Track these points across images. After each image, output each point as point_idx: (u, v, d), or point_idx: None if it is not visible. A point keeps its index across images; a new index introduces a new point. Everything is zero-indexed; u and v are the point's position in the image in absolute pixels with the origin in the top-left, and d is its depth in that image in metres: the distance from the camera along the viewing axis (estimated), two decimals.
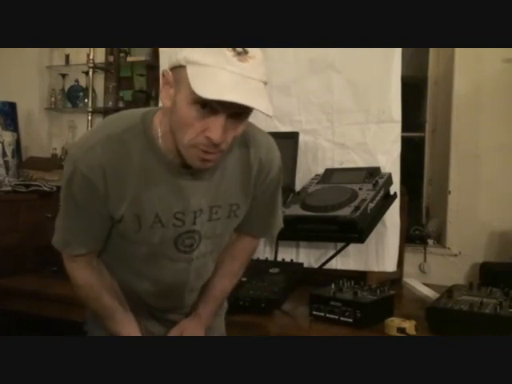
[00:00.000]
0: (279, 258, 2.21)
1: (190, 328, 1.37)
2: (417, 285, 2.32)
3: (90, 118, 3.31)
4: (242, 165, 1.25)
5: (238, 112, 1.03)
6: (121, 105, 3.43)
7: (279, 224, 1.43)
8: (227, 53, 1.01)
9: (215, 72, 0.99)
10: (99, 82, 3.48)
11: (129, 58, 3.46)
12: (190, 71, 1.00)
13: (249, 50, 1.03)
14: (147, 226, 1.19)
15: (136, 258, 1.27)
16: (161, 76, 1.11)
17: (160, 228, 1.20)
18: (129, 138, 1.14)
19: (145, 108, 1.24)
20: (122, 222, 1.18)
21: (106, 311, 1.31)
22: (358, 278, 2.03)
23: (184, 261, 1.27)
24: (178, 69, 1.04)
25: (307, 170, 2.33)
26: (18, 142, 3.25)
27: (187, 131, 1.05)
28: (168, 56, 1.09)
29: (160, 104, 1.21)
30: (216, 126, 1.02)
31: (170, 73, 1.07)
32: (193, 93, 0.98)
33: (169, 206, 1.18)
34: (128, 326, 1.32)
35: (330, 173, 2.24)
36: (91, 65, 3.32)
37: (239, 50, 1.02)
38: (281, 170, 1.37)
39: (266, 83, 1.06)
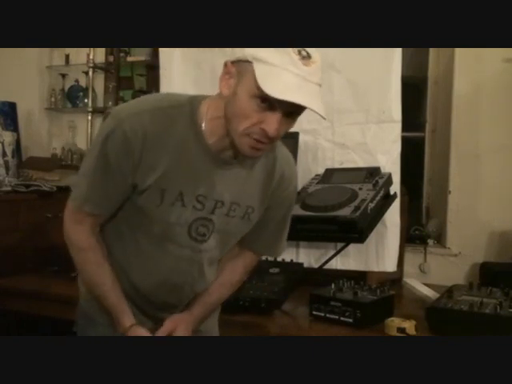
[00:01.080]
0: (279, 258, 2.21)
1: (184, 322, 1.37)
2: (417, 285, 2.32)
3: (90, 118, 3.31)
4: (266, 172, 1.31)
5: (293, 111, 1.12)
6: None
7: (283, 247, 1.47)
8: (293, 55, 1.07)
9: (280, 72, 1.06)
10: (99, 82, 3.48)
11: (129, 58, 3.46)
12: (257, 67, 1.07)
13: (312, 54, 1.10)
14: (169, 202, 1.21)
15: (145, 239, 1.27)
16: (223, 66, 1.16)
17: (180, 207, 1.22)
18: (175, 114, 1.19)
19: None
20: (145, 192, 1.20)
21: (105, 279, 1.29)
22: (358, 277, 2.03)
23: (191, 249, 1.28)
24: (243, 63, 1.10)
25: (307, 170, 2.33)
26: (18, 142, 3.25)
27: (244, 121, 1.11)
28: (219, 53, 1.17)
29: None
30: (273, 121, 1.10)
31: (233, 65, 1.13)
32: (257, 88, 1.06)
33: (194, 186, 1.22)
34: (124, 309, 1.31)
35: (330, 173, 2.24)
36: (91, 65, 3.32)
37: (304, 53, 1.09)
38: (296, 192, 1.45)
39: (321, 86, 1.13)
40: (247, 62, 1.09)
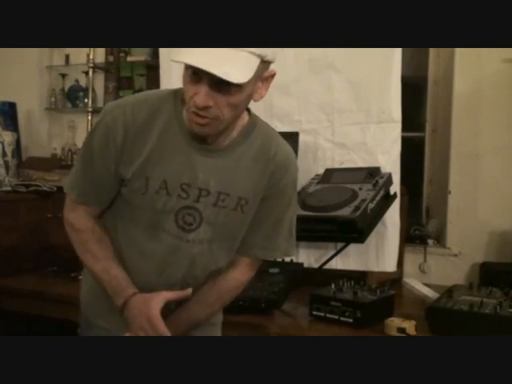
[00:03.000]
0: (279, 258, 2.21)
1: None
2: (417, 285, 2.32)
3: (90, 117, 3.31)
4: (258, 161, 1.29)
5: (221, 81, 1.08)
6: None
7: (284, 249, 1.41)
8: None
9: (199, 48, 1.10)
10: (99, 82, 3.48)
11: (129, 58, 3.46)
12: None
13: None
14: (153, 190, 1.24)
15: (137, 230, 1.30)
16: None
17: (165, 195, 1.24)
18: (159, 104, 1.24)
19: None
20: (131, 181, 1.24)
21: (107, 252, 1.31)
22: (358, 278, 2.03)
23: (179, 239, 1.28)
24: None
25: (307, 170, 2.33)
26: (18, 142, 3.25)
27: (186, 96, 1.16)
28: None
29: None
30: (200, 91, 1.11)
31: None
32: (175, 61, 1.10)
33: (178, 174, 1.24)
34: (127, 278, 1.29)
35: (329, 173, 2.24)
36: (91, 65, 3.31)
37: None
38: (295, 186, 1.42)
39: (265, 60, 1.14)
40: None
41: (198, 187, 1.25)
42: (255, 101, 1.22)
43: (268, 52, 1.13)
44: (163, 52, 2.64)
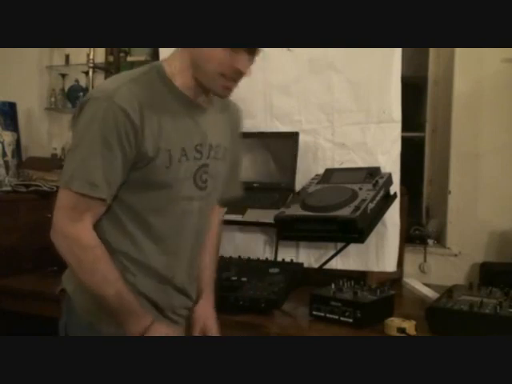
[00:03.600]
0: (279, 258, 2.21)
1: (210, 316, 1.48)
2: (417, 285, 2.32)
3: None
4: (224, 112, 1.43)
5: (255, 51, 1.26)
6: None
7: (241, 187, 1.60)
8: None
9: None
10: (99, 82, 3.47)
11: (129, 58, 3.45)
12: None
13: None
14: (176, 160, 1.27)
15: (156, 217, 1.29)
16: None
17: (185, 162, 1.29)
18: (149, 79, 1.27)
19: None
20: (157, 158, 1.24)
21: (118, 274, 1.25)
22: (358, 277, 2.03)
23: (199, 198, 1.35)
24: None
25: (307, 170, 2.33)
26: (18, 142, 3.25)
27: (217, 63, 1.23)
28: None
29: None
30: (240, 58, 1.24)
31: None
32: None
33: (191, 138, 1.31)
34: (140, 306, 1.28)
35: (329, 173, 2.24)
36: (91, 65, 3.31)
37: None
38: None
39: None
40: None
41: (208, 144, 1.34)
42: None
43: None
44: (163, 52, 2.63)
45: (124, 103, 1.18)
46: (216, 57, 1.22)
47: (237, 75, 1.27)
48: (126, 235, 1.29)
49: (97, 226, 1.27)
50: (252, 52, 1.26)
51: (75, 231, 1.22)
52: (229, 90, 1.30)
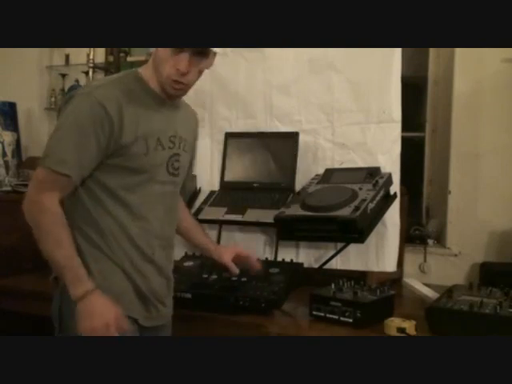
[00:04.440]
0: (279, 258, 2.21)
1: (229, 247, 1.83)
2: (417, 285, 2.32)
3: None
4: (187, 113, 1.62)
5: (200, 52, 1.36)
6: None
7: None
8: None
9: None
10: None
11: (129, 58, 3.45)
12: None
13: None
14: (152, 148, 1.43)
15: (133, 195, 1.43)
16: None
17: (161, 150, 1.46)
18: (126, 82, 1.44)
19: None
20: (134, 145, 1.39)
21: (71, 239, 1.37)
22: (358, 278, 2.02)
23: (171, 184, 1.52)
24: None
25: (307, 170, 2.33)
26: (18, 142, 3.25)
27: (165, 65, 1.39)
28: None
29: None
30: (181, 60, 1.36)
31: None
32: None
33: (165, 130, 1.48)
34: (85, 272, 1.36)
35: (329, 173, 2.24)
36: (91, 65, 3.31)
37: None
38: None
39: None
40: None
41: (180, 136, 1.52)
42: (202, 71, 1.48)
43: None
44: None
45: (102, 98, 1.35)
46: (164, 58, 1.38)
47: (180, 76, 1.39)
48: (107, 213, 1.42)
49: (79, 206, 1.43)
50: (196, 53, 1.36)
51: (39, 198, 1.37)
52: (179, 90, 1.44)
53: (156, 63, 1.42)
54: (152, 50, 1.48)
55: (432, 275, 2.62)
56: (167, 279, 1.56)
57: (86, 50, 3.36)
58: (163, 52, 1.38)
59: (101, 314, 1.31)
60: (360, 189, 2.05)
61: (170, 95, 1.46)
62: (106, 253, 1.42)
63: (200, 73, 1.44)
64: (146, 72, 1.47)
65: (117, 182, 1.41)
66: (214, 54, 1.42)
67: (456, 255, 2.64)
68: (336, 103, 2.31)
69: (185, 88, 1.45)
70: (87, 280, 1.35)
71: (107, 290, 1.37)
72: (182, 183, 1.61)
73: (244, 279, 1.92)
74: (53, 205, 1.36)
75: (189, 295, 1.84)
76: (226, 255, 1.77)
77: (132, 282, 1.44)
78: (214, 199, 2.38)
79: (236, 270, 1.76)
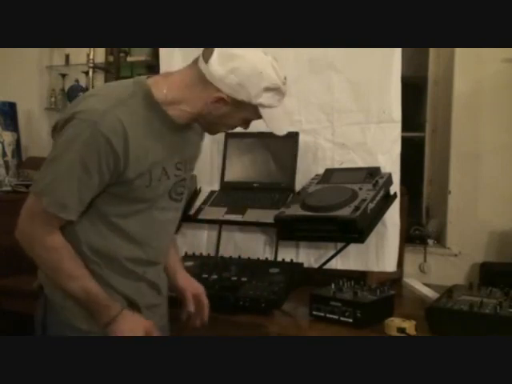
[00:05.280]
0: (279, 258, 2.21)
1: (193, 283, 1.62)
2: (417, 285, 2.32)
3: None
4: (197, 127, 1.47)
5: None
6: None
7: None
8: (281, 87, 1.37)
9: (278, 112, 1.37)
10: (99, 82, 3.47)
11: (129, 58, 3.45)
12: (264, 112, 1.34)
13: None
14: (156, 179, 1.34)
15: (133, 222, 1.35)
16: (215, 92, 1.29)
17: (166, 180, 1.37)
18: (134, 102, 1.28)
19: (130, 79, 1.38)
20: (137, 179, 1.29)
21: (84, 269, 1.31)
22: (358, 278, 2.02)
23: (173, 210, 1.44)
24: (244, 102, 1.31)
25: (307, 170, 2.33)
26: (18, 142, 3.25)
27: (226, 127, 1.43)
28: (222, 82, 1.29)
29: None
30: (247, 124, 1.41)
31: (229, 97, 1.30)
32: (257, 118, 1.37)
33: (171, 157, 1.37)
34: (109, 297, 1.33)
35: (329, 173, 2.24)
36: (91, 65, 3.31)
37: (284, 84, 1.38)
38: None
39: None
40: (249, 104, 1.31)
41: (185, 160, 1.43)
42: None
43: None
44: (163, 52, 2.63)
45: (108, 131, 1.21)
46: (231, 125, 1.39)
47: (244, 125, 1.41)
48: (102, 239, 1.34)
49: (74, 228, 1.33)
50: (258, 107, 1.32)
51: (42, 234, 1.29)
52: (217, 132, 1.45)
53: (213, 117, 1.33)
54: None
55: (432, 275, 2.62)
56: (159, 293, 1.51)
57: (86, 50, 3.36)
58: (235, 120, 1.37)
59: (131, 331, 1.31)
60: (360, 189, 2.05)
61: (210, 133, 1.47)
62: (91, 267, 1.35)
63: None
64: (162, 94, 1.30)
65: (114, 209, 1.33)
66: None
67: (456, 255, 2.64)
68: (336, 103, 2.31)
69: None
70: (112, 304, 1.33)
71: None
72: (184, 206, 1.53)
73: (244, 279, 1.92)
74: (56, 241, 1.29)
75: None
76: (187, 294, 1.58)
77: (121, 293, 1.40)
78: (214, 199, 2.38)
79: (191, 308, 1.57)
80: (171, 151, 1.37)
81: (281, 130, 1.38)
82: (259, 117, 1.35)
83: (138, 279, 1.42)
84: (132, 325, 1.32)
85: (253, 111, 1.33)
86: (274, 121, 1.36)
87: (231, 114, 1.34)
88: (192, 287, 1.60)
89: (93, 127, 1.20)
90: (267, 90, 1.30)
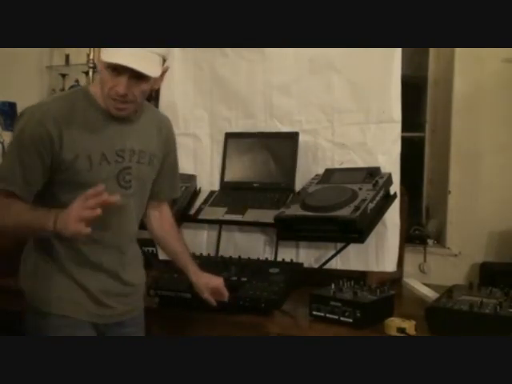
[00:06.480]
0: (279, 258, 2.21)
1: (210, 277, 1.73)
2: (417, 285, 2.32)
3: None
4: (155, 126, 1.62)
5: (138, 75, 1.37)
6: None
7: (179, 187, 1.86)
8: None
9: (117, 49, 1.36)
10: None
11: None
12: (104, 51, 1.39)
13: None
14: (96, 163, 1.46)
15: None
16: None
17: (106, 165, 1.48)
18: (73, 98, 1.49)
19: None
20: (76, 162, 1.44)
21: (23, 204, 1.42)
22: (358, 278, 2.02)
23: (125, 196, 1.50)
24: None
25: (307, 170, 2.33)
26: None
27: (105, 86, 1.42)
28: None
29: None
30: (120, 82, 1.39)
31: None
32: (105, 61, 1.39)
33: (111, 145, 1.49)
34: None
35: (329, 173, 2.24)
36: (91, 65, 3.31)
37: None
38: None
39: (164, 59, 1.42)
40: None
41: (129, 149, 1.53)
42: (154, 89, 1.59)
43: (165, 52, 1.40)
44: None
45: (43, 117, 1.42)
46: (104, 80, 1.41)
47: (119, 97, 1.41)
48: None
49: None
50: (134, 77, 1.37)
51: None
52: (121, 110, 1.45)
53: (100, 83, 1.46)
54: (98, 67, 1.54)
55: (432, 275, 2.62)
56: (123, 283, 1.56)
57: (86, 50, 3.36)
58: (104, 73, 1.41)
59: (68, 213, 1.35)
60: (360, 189, 2.05)
61: (114, 113, 1.47)
62: (54, 256, 1.51)
63: (144, 92, 1.44)
64: (94, 89, 1.49)
65: (67, 196, 1.41)
66: (163, 73, 1.43)
67: (456, 255, 2.64)
68: (336, 103, 2.32)
69: (128, 107, 1.46)
70: (49, 211, 1.38)
71: (51, 289, 1.49)
72: (144, 195, 1.61)
73: (244, 279, 1.92)
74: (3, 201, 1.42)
75: (189, 295, 1.84)
76: (205, 290, 1.71)
77: (78, 283, 1.50)
78: (214, 199, 2.38)
79: (214, 303, 1.71)
80: (111, 139, 1.49)
81: (113, 58, 1.36)
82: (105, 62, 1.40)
83: (95, 267, 1.51)
84: (65, 214, 1.35)
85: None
86: (109, 52, 1.37)
87: (101, 71, 1.43)
88: (211, 281, 1.72)
89: (31, 116, 1.44)
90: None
